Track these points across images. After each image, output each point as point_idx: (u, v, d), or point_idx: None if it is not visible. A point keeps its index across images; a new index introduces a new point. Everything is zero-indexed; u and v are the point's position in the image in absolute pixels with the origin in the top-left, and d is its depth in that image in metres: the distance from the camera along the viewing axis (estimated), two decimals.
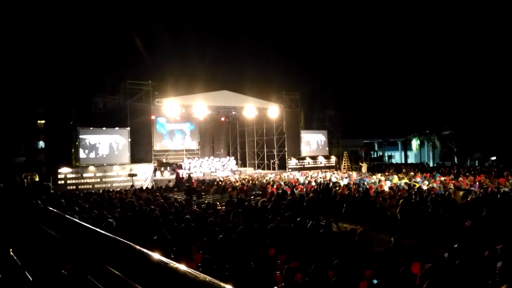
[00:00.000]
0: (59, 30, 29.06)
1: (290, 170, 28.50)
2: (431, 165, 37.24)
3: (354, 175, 24.29)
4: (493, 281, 4.69)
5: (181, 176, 21.49)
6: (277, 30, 44.59)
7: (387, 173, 25.45)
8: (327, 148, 31.65)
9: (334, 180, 20.15)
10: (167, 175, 25.64)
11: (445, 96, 36.89)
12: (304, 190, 16.29)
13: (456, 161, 36.31)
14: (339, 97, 36.15)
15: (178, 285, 0.94)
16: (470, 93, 34.43)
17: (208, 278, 0.92)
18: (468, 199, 11.54)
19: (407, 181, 18.63)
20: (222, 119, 32.13)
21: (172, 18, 40.16)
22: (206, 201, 14.11)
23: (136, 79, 23.62)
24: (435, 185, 16.11)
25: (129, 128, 22.56)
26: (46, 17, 29.54)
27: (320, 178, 21.73)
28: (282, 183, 18.44)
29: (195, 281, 0.91)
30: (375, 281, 5.52)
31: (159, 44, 37.38)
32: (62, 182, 20.30)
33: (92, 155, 21.83)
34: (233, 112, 29.24)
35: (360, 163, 32.29)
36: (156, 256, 1.05)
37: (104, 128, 22.30)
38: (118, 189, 18.66)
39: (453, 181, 17.70)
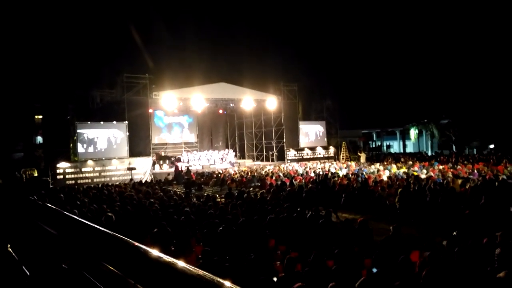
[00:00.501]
0: (56, 24, 28.83)
1: (289, 161, 28.53)
2: (429, 154, 37.32)
3: (353, 165, 24.34)
4: (492, 267, 4.71)
5: (180, 169, 21.51)
6: (274, 21, 44.34)
7: (385, 163, 25.50)
8: (325, 139, 31.65)
9: (332, 170, 20.19)
10: (166, 168, 25.65)
11: (443, 85, 36.86)
12: (303, 181, 16.31)
13: (454, 149, 36.38)
14: (337, 88, 36.14)
15: (176, 281, 0.93)
16: (468, 82, 34.39)
17: (206, 273, 0.91)
18: (467, 187, 11.57)
19: (406, 170, 18.68)
20: (220, 111, 32.06)
21: (169, 10, 39.91)
22: (205, 194, 14.14)
23: (133, 72, 23.51)
24: (433, 174, 16.15)
25: (127, 122, 22.50)
26: (43, 12, 29.30)
27: (319, 169, 21.77)
28: (281, 175, 18.47)
29: (193, 277, 0.90)
30: (374, 270, 5.54)
31: (156, 37, 37.15)
32: (61, 177, 20.29)
33: (91, 149, 21.80)
34: (231, 104, 29.17)
35: (359, 153, 32.33)
36: (154, 252, 1.04)
37: (102, 122, 22.24)
38: (117, 183, 18.67)
39: (451, 170, 17.74)
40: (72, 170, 20.69)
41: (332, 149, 31.59)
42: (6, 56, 27.44)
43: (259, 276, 5.01)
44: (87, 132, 21.80)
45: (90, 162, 21.18)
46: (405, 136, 44.91)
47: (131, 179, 20.27)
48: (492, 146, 34.57)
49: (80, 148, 21.51)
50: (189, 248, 7.29)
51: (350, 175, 17.14)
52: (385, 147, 45.47)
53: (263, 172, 20.24)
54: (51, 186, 19.36)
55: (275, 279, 5.45)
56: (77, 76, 24.09)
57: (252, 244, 6.80)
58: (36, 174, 23.98)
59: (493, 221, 7.41)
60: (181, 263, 0.98)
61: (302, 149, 29.99)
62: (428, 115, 38.73)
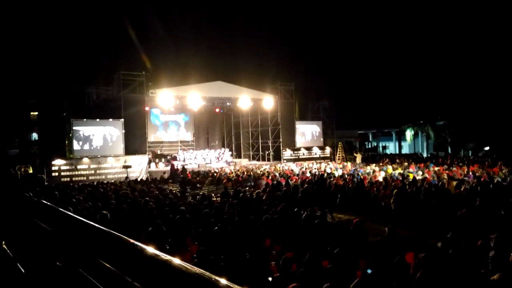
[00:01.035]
0: (51, 20, 28.67)
1: (285, 161, 28.55)
2: (425, 155, 37.47)
3: (349, 165, 24.40)
4: (486, 270, 4.74)
5: (175, 167, 21.45)
6: (272, 20, 44.30)
7: (381, 164, 25.58)
8: (321, 139, 31.70)
9: (328, 171, 20.23)
10: (162, 167, 25.58)
11: (439, 87, 37.02)
12: (299, 181, 16.33)
13: (449, 151, 36.54)
14: (333, 88, 36.17)
15: (172, 278, 0.93)
16: (464, 84, 34.55)
17: (202, 271, 0.91)
18: (462, 189, 11.63)
19: (401, 171, 18.75)
20: (217, 110, 32.02)
21: (166, 8, 39.77)
22: (201, 193, 14.12)
23: (130, 70, 23.42)
24: (428, 175, 16.22)
25: (123, 120, 22.41)
26: (39, 8, 29.13)
27: (315, 169, 21.80)
28: (277, 174, 18.48)
29: (189, 275, 0.90)
30: (369, 271, 5.56)
31: (153, 34, 37.01)
32: (56, 174, 20.19)
33: (86, 146, 21.69)
34: (228, 103, 29.14)
35: (355, 154, 32.41)
36: (150, 249, 1.03)
37: (97, 120, 22.15)
38: (112, 181, 18.61)
39: (446, 171, 17.83)
40: (67, 167, 20.59)
41: (328, 149, 31.65)
42: (2, 52, 27.28)
43: (254, 276, 5.01)
44: (82, 129, 21.70)
45: (85, 160, 21.09)
46: (401, 137, 45.06)
47: (127, 177, 20.22)
48: (487, 148, 34.75)
49: (76, 145, 21.40)
50: (184, 247, 7.28)
51: (346, 176, 17.18)
52: (381, 148, 45.61)
53: (259, 172, 20.24)
54: (46, 183, 19.28)
55: (270, 278, 5.46)
56: (73, 73, 23.96)
57: (247, 244, 6.80)
58: (31, 171, 23.87)
59: (488, 223, 7.45)
60: (177, 261, 0.97)
61: (298, 149, 30.02)
62: (424, 117, 38.89)
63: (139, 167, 22.13)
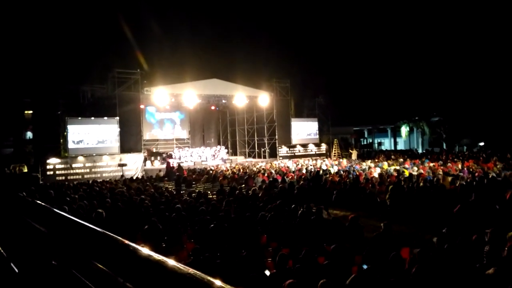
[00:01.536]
0: (46, 19, 28.47)
1: (281, 158, 28.57)
2: (420, 151, 37.64)
3: (344, 162, 24.46)
4: (480, 264, 4.77)
5: (171, 165, 21.41)
6: (267, 18, 44.25)
7: (376, 160, 25.66)
8: (317, 136, 31.74)
9: (324, 167, 20.26)
10: (158, 165, 25.53)
11: (434, 83, 37.14)
12: (295, 177, 16.35)
13: (444, 147, 36.74)
14: (329, 85, 36.20)
15: (165, 280, 0.92)
16: (459, 80, 34.69)
17: (196, 272, 0.90)
18: (457, 185, 11.68)
19: (397, 167, 18.81)
20: (212, 107, 31.97)
21: (161, 6, 39.59)
22: (197, 190, 14.10)
23: (125, 68, 23.32)
24: (424, 171, 16.28)
25: (118, 118, 22.32)
26: (33, 6, 28.89)
27: (311, 165, 21.83)
28: (273, 171, 18.48)
29: (183, 276, 0.89)
30: (365, 266, 5.58)
31: (148, 32, 36.87)
32: (51, 173, 20.10)
33: (81, 145, 21.58)
34: (223, 101, 29.09)
35: (350, 150, 32.49)
36: (144, 250, 1.02)
37: (92, 118, 22.04)
38: (108, 179, 18.55)
39: (441, 167, 17.91)
40: (62, 166, 20.50)
41: (324, 146, 31.70)
42: None
43: (250, 273, 5.01)
44: (77, 127, 21.59)
45: (80, 158, 21.00)
46: (396, 134, 45.23)
47: (122, 176, 20.16)
48: (482, 143, 34.96)
49: (71, 144, 21.29)
50: (180, 245, 7.27)
51: (342, 172, 17.21)
52: (376, 144, 45.77)
53: (255, 169, 20.24)
54: (41, 182, 19.19)
55: (267, 272, 5.47)
56: (67, 71, 23.84)
57: (243, 241, 6.80)
58: (26, 170, 23.75)
59: (483, 218, 7.50)
60: (171, 262, 0.96)
61: (294, 146, 30.05)
62: (419, 113, 39.06)
63: (134, 165, 22.06)
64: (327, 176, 15.88)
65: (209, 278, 0.88)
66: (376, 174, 16.02)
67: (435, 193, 10.70)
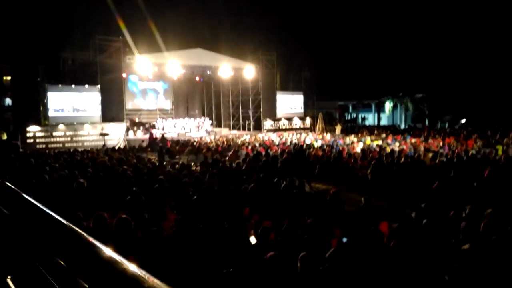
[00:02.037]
0: None
1: (265, 131, 28.58)
2: (402, 127, 38.15)
3: (328, 136, 24.63)
4: (456, 239, 4.91)
5: (154, 136, 21.19)
6: None
7: (360, 135, 25.91)
8: (302, 110, 31.75)
9: (308, 141, 20.37)
10: (140, 135, 25.25)
11: (419, 60, 37.25)
12: (279, 151, 16.41)
13: (427, 123, 37.29)
14: (315, 59, 35.93)
15: (123, 286, 0.87)
16: (443, 58, 34.88)
17: (157, 282, 0.86)
18: (437, 161, 11.91)
19: (379, 143, 19.04)
20: (197, 78, 31.48)
21: None
22: (180, 162, 14.03)
23: (106, 34, 22.59)
24: (405, 147, 16.53)
25: (99, 86, 21.80)
26: None
27: (295, 139, 21.92)
28: (257, 144, 18.50)
29: (142, 286, 0.85)
30: (344, 239, 5.69)
31: None
32: (31, 141, 19.70)
33: (61, 113, 21.10)
34: (208, 72, 28.66)
35: (334, 125, 32.69)
36: (107, 251, 0.96)
37: (73, 86, 21.49)
38: (89, 149, 18.31)
39: (423, 143, 18.22)
40: (42, 134, 20.08)
41: (308, 120, 31.80)
42: None
43: (233, 245, 5.06)
44: (57, 95, 21.05)
45: (61, 126, 20.58)
46: (380, 109, 45.60)
47: (104, 145, 19.87)
48: (463, 121, 35.57)
49: (51, 112, 20.81)
50: (163, 216, 7.27)
51: (325, 147, 17.35)
52: (360, 119, 46.12)
53: (239, 142, 20.22)
54: (21, 150, 18.82)
55: (252, 239, 5.53)
56: (47, 36, 22.99)
57: (226, 213, 6.84)
58: (5, 137, 23.22)
59: (461, 195, 7.69)
60: (132, 267, 0.91)
61: (279, 119, 30.05)
62: (403, 89, 39.32)
63: (116, 135, 21.77)
64: (311, 150, 15.98)
65: None
66: (358, 149, 16.20)
67: (415, 169, 10.90)
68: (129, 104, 28.93)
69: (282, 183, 8.87)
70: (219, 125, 34.07)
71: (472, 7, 33.83)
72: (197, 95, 35.11)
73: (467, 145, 16.80)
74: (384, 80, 39.94)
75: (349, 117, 45.62)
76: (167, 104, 32.33)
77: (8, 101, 29.19)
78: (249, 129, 30.26)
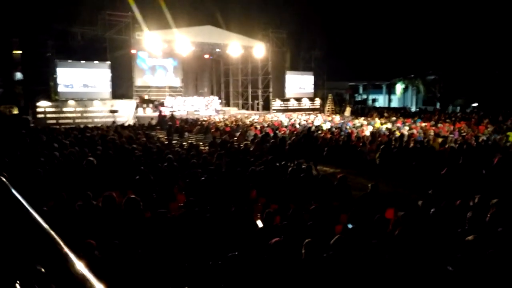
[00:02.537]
0: None
1: (274, 111, 28.47)
2: (413, 109, 37.70)
3: (337, 118, 24.48)
4: (462, 229, 4.92)
5: (163, 114, 21.24)
6: None
7: (369, 118, 25.71)
8: (312, 90, 31.47)
9: (317, 123, 20.28)
10: (149, 112, 25.32)
11: (432, 41, 36.43)
12: (287, 132, 16.39)
13: (438, 106, 36.77)
14: (326, 38, 35.26)
15: None
16: (456, 39, 34.05)
17: None
18: (446, 147, 11.82)
19: (389, 126, 18.90)
20: (206, 56, 31.25)
21: None
22: (188, 141, 14.12)
23: (116, 10, 22.39)
24: (415, 131, 16.40)
25: (109, 62, 21.77)
26: None
27: (304, 121, 21.84)
28: (266, 125, 18.47)
29: None
30: (350, 226, 5.73)
31: None
32: (42, 116, 19.88)
33: (71, 89, 21.20)
34: (217, 50, 28.42)
35: (344, 106, 32.43)
36: (80, 267, 0.95)
37: (83, 62, 21.47)
38: (99, 125, 18.44)
39: (433, 127, 18.05)
40: (53, 109, 20.23)
41: (318, 101, 31.56)
42: None
43: (239, 228, 5.13)
44: (67, 70, 21.09)
45: (71, 102, 20.69)
46: (391, 91, 44.98)
47: (114, 122, 20.00)
48: (475, 104, 34.99)
49: (61, 87, 20.90)
50: (172, 196, 7.36)
51: (334, 129, 17.27)
52: (370, 101, 45.62)
53: (247, 122, 20.20)
54: (31, 125, 19.03)
55: (259, 223, 5.60)
56: (55, 10, 22.76)
57: (234, 195, 6.90)
58: (16, 112, 23.43)
59: (469, 183, 7.65)
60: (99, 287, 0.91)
61: (288, 100, 29.86)
62: (415, 71, 38.63)
63: (126, 112, 21.84)
64: (319, 132, 15.93)
65: None
66: (368, 133, 16.12)
67: (424, 154, 10.83)
68: (138, 81, 28.84)
69: (290, 166, 8.91)
70: (228, 104, 33.99)
71: None
72: (206, 73, 34.88)
73: (478, 131, 16.60)
74: (395, 61, 39.21)
75: (359, 98, 45.09)
76: (177, 82, 32.20)
77: (18, 75, 29.28)
78: (257, 109, 30.16)
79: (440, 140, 13.23)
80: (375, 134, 15.30)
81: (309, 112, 28.88)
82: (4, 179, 1.20)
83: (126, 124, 19.25)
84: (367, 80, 45.81)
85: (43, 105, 19.98)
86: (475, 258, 3.89)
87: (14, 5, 23.99)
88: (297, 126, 18.67)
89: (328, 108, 31.68)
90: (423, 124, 19.61)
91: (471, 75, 33.48)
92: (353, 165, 12.29)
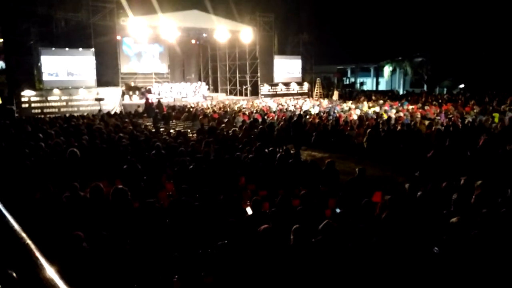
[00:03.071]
0: None
1: (262, 96, 28.36)
2: (401, 92, 37.91)
3: (325, 103, 24.50)
4: (447, 211, 5.01)
5: (150, 101, 21.01)
6: None
7: (357, 101, 25.79)
8: (300, 75, 31.36)
9: (305, 108, 20.28)
10: (136, 100, 25.01)
11: (419, 23, 36.43)
12: (276, 118, 16.37)
13: (425, 88, 37.01)
14: (313, 21, 35.00)
15: None
16: (443, 21, 34.12)
17: None
18: (433, 129, 11.94)
19: (376, 109, 18.99)
20: (193, 41, 30.83)
21: None
22: (176, 129, 14.02)
23: None
24: (402, 114, 16.51)
25: (93, 49, 21.34)
26: None
27: (292, 105, 21.81)
28: (254, 111, 18.41)
29: None
30: (338, 210, 5.79)
31: None
32: (26, 105, 19.51)
33: (56, 77, 20.78)
34: (204, 35, 28.04)
35: (332, 90, 32.46)
36: (49, 272, 0.93)
37: (67, 49, 21.01)
38: (85, 114, 18.18)
39: (420, 110, 18.18)
40: (37, 98, 19.86)
41: (306, 85, 31.49)
42: None
43: (228, 216, 5.14)
44: (51, 58, 20.64)
45: (56, 91, 20.32)
46: (378, 73, 45.11)
47: (100, 110, 19.74)
48: (462, 86, 35.27)
49: (45, 76, 20.48)
50: (160, 185, 7.33)
51: (322, 114, 17.30)
52: (358, 84, 45.68)
53: (236, 108, 20.10)
54: (16, 115, 18.68)
55: (249, 210, 5.62)
56: None
57: (222, 183, 6.90)
58: (0, 102, 22.94)
59: (454, 165, 7.75)
60: None
61: (276, 85, 29.74)
62: (402, 53, 38.71)
63: (112, 99, 21.52)
64: (308, 117, 15.94)
65: None
66: (355, 116, 16.18)
67: (411, 137, 10.93)
68: (124, 68, 28.37)
69: (278, 152, 8.92)
70: (215, 90, 33.73)
71: None
72: (193, 59, 34.44)
73: (465, 112, 16.78)
74: (383, 43, 39.23)
75: (347, 82, 45.14)
76: (163, 68, 31.79)
77: (1, 64, 28.59)
78: (246, 94, 29.99)
79: (427, 122, 13.34)
80: (362, 118, 15.36)
81: (297, 97, 28.84)
82: None
83: (113, 112, 19.00)
84: (355, 63, 45.83)
85: (28, 95, 19.59)
86: (460, 239, 3.97)
87: None
88: (285, 111, 18.65)
89: (316, 92, 31.68)
90: (410, 107, 19.75)
91: (458, 56, 33.69)
92: (341, 149, 12.38)
